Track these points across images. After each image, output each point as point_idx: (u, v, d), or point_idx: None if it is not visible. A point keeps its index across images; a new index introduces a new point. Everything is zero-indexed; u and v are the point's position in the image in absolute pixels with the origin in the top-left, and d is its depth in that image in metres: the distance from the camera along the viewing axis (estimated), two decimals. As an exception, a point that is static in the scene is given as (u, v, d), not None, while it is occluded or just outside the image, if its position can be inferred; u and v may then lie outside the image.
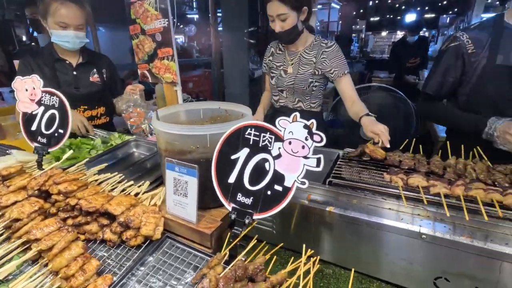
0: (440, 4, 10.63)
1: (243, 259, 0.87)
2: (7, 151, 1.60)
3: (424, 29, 8.79)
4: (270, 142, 0.84)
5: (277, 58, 1.91)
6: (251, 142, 0.88)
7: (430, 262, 0.84)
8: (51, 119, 1.34)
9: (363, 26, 11.45)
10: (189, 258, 0.96)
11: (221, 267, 0.85)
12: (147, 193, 1.18)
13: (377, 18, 11.56)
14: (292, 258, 0.89)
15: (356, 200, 0.96)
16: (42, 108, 1.36)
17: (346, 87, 1.73)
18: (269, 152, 0.85)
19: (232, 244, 0.87)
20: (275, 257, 0.92)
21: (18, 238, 0.98)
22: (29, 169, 1.34)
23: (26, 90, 1.37)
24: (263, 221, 1.08)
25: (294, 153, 0.80)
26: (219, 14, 4.61)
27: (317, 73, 1.78)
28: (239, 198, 0.89)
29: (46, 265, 0.91)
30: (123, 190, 1.20)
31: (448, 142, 1.17)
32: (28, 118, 1.39)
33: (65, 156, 1.33)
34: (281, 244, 1.04)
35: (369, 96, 2.35)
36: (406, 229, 0.84)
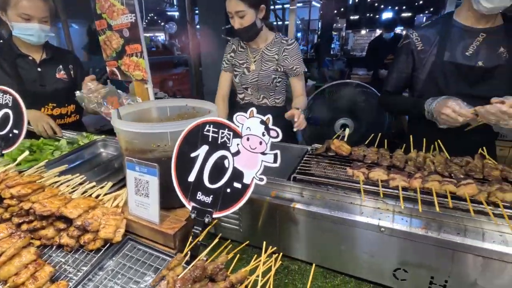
0: (416, 3, 10.95)
1: (205, 258, 0.85)
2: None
3: (402, 28, 9.03)
4: (228, 139, 0.83)
5: (240, 55, 1.94)
6: (210, 139, 0.85)
7: (389, 255, 0.85)
8: (5, 119, 1.26)
9: (344, 25, 11.64)
10: (151, 260, 0.93)
11: (181, 268, 0.83)
12: (109, 194, 1.13)
13: (356, 17, 11.74)
14: (255, 256, 0.88)
15: (319, 195, 0.96)
16: (-7, 107, 1.28)
17: (298, 84, 1.89)
18: (228, 149, 0.83)
19: (192, 244, 0.85)
20: (238, 255, 0.90)
21: (-36, 247, 0.91)
22: (-18, 172, 1.26)
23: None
24: (230, 220, 1.07)
25: (252, 149, 0.79)
26: (197, 12, 4.55)
27: (279, 69, 1.85)
28: (199, 196, 0.87)
29: (-7, 274, 0.85)
30: (84, 192, 1.15)
31: (410, 136, 1.19)
32: (-21, 119, 1.30)
33: (19, 158, 1.26)
34: (247, 242, 1.03)
35: (343, 92, 2.38)
36: (366, 222, 0.85)
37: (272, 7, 7.40)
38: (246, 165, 0.80)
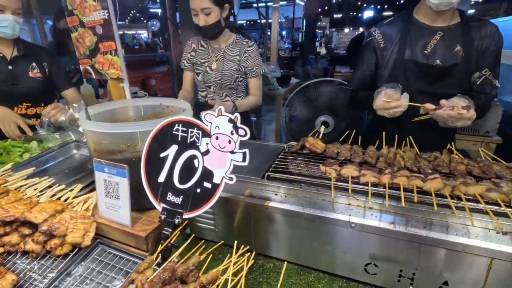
0: (397, 2, 11.21)
1: (177, 260, 0.83)
2: None
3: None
4: (198, 138, 0.81)
5: (200, 54, 1.95)
6: (179, 139, 0.84)
7: (360, 250, 0.86)
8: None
9: (328, 23, 11.77)
10: (121, 264, 0.91)
11: (151, 271, 0.81)
12: (79, 197, 1.10)
13: (340, 15, 11.92)
14: (228, 255, 0.87)
15: (293, 193, 0.96)
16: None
17: (254, 85, 1.97)
18: (197, 148, 0.82)
19: (162, 246, 0.83)
20: (211, 255, 0.89)
21: None
22: None
23: None
24: (205, 220, 1.05)
25: (222, 149, 0.78)
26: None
27: (241, 70, 1.91)
28: (169, 197, 0.85)
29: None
30: (53, 196, 1.11)
31: (384, 132, 1.21)
32: None
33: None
34: (221, 242, 1.02)
35: (324, 90, 2.40)
36: (337, 219, 0.86)
37: (255, 5, 7.38)
38: (216, 164, 0.79)
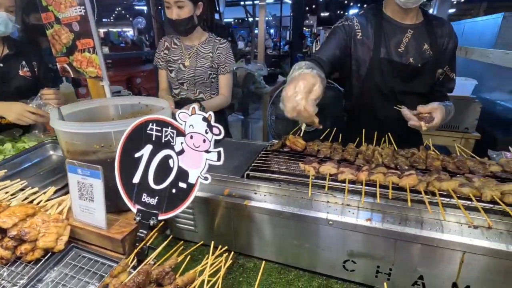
0: (383, 0, 11.41)
1: (153, 262, 0.82)
2: None
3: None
4: (172, 137, 0.79)
5: (173, 52, 1.96)
6: (153, 138, 0.82)
7: (339, 247, 0.87)
8: None
9: (315, 22, 11.84)
10: (96, 268, 0.88)
11: (126, 275, 0.79)
12: (53, 200, 1.06)
13: (327, 14, 12.01)
14: (206, 256, 0.86)
15: (272, 192, 0.95)
16: None
17: (225, 83, 1.99)
18: (172, 148, 0.80)
19: (137, 248, 0.81)
20: (189, 256, 0.88)
21: None
22: None
23: None
24: (184, 220, 1.04)
25: (196, 148, 0.76)
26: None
27: (214, 66, 1.94)
28: (144, 198, 0.83)
29: None
30: (25, 199, 1.07)
31: (364, 129, 1.22)
32: None
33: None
34: (201, 242, 1.01)
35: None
36: (316, 216, 0.86)
37: (242, 3, 7.35)
38: (191, 164, 0.78)
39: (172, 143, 0.79)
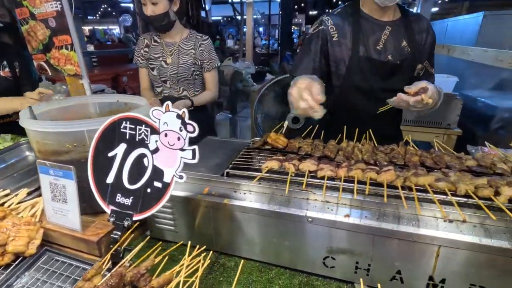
0: (371, 0, 11.55)
1: (128, 264, 0.79)
2: None
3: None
4: (146, 136, 0.77)
5: (154, 49, 1.93)
6: (127, 137, 0.79)
7: (318, 244, 0.86)
8: None
9: (303, 20, 11.88)
10: (69, 271, 0.85)
11: (100, 278, 0.76)
12: (25, 202, 1.02)
13: (315, 12, 12.06)
14: (185, 256, 0.84)
15: (251, 190, 0.94)
16: None
17: (211, 79, 1.99)
18: (146, 146, 0.78)
19: (111, 250, 0.79)
20: (167, 257, 0.86)
21: None
22: None
23: None
24: (164, 220, 1.02)
25: (171, 146, 0.74)
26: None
27: (197, 63, 1.92)
28: (118, 199, 0.81)
29: None
30: (-3, 202, 1.02)
31: (345, 126, 1.22)
32: None
33: None
34: (180, 242, 0.99)
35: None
36: (295, 214, 0.85)
37: (230, 0, 7.29)
38: (166, 162, 0.76)
39: (146, 142, 0.77)
